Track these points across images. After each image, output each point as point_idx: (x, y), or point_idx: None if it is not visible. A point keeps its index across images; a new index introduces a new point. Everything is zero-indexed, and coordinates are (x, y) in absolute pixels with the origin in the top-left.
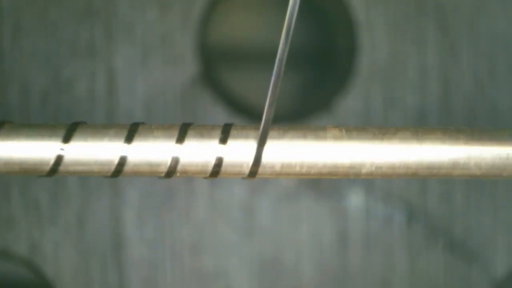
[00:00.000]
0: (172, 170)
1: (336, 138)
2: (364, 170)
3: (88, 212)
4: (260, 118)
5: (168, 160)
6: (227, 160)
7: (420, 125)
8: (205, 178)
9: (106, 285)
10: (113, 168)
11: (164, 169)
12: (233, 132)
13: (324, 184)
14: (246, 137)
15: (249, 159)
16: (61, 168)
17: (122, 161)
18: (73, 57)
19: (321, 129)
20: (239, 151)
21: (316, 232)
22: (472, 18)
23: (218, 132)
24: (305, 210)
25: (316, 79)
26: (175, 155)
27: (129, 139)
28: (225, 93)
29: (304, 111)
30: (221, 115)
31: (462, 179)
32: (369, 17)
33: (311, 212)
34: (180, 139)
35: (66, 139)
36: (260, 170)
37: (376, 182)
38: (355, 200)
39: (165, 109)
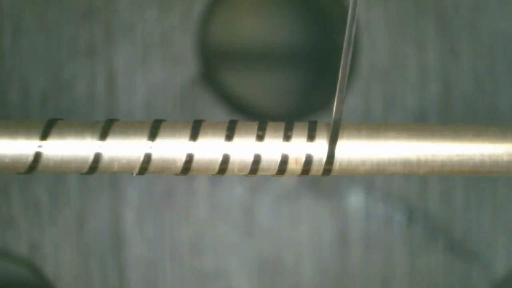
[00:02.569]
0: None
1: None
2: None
3: (88, 212)
4: (260, 117)
5: (251, 158)
6: (315, 159)
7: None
8: (298, 176)
9: (106, 285)
10: (139, 165)
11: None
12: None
13: (324, 184)
14: (321, 135)
15: (323, 156)
16: (150, 166)
17: (147, 158)
18: (73, 57)
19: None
20: (318, 149)
21: (316, 232)
22: (472, 18)
23: (306, 131)
24: (305, 210)
25: (316, 79)
26: (257, 152)
27: (152, 136)
28: (225, 93)
29: (304, 110)
30: (221, 114)
31: (462, 178)
32: (369, 17)
33: (311, 212)
34: (260, 138)
35: (102, 137)
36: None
37: (376, 182)
38: (355, 200)
39: (165, 109)
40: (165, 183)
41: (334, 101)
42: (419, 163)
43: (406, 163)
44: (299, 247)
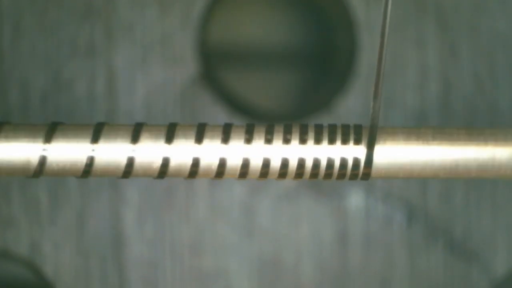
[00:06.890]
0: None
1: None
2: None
3: (88, 212)
4: (260, 117)
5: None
6: (336, 164)
7: (420, 125)
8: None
9: (106, 285)
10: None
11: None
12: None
13: (324, 184)
14: (356, 140)
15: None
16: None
17: (130, 161)
18: (73, 57)
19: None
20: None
21: (316, 232)
22: (472, 18)
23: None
24: (305, 210)
25: (316, 79)
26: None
27: (135, 139)
28: (225, 93)
29: (304, 111)
30: (221, 114)
31: (462, 179)
32: (369, 17)
33: (311, 212)
34: (286, 140)
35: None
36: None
37: (376, 182)
38: (355, 200)
39: (165, 109)
40: (165, 183)
41: (334, 101)
42: (457, 167)
43: (445, 167)
44: (299, 247)
